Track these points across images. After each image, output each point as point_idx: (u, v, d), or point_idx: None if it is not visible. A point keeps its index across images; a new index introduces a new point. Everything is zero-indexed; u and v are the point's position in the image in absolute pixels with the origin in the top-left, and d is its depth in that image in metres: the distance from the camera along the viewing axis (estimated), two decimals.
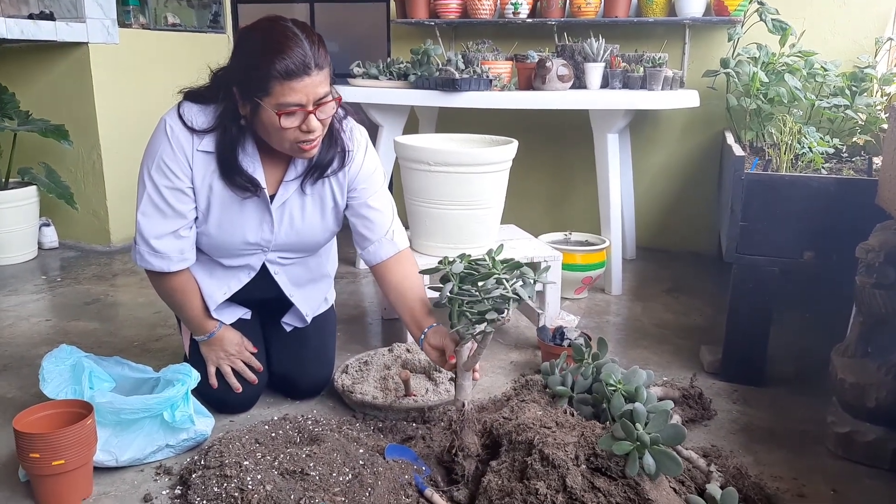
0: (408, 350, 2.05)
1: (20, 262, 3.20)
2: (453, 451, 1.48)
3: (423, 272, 1.63)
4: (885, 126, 2.38)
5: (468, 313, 1.44)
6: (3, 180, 3.21)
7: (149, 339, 2.34)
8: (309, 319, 1.91)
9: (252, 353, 1.84)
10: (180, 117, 1.60)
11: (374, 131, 2.52)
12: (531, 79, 2.81)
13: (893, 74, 2.59)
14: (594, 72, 2.74)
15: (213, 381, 1.80)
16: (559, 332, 2.10)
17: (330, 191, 1.74)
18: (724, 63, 2.77)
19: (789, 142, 2.16)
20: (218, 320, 1.80)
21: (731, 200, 1.96)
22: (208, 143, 1.60)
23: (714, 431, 1.77)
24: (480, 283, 1.43)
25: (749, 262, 1.93)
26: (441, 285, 1.49)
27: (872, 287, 1.60)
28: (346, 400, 1.87)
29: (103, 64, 3.22)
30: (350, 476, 1.45)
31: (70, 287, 2.88)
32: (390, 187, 3.12)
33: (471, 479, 1.47)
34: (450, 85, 2.69)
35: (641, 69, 2.73)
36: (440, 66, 2.82)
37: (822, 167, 2.10)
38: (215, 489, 1.41)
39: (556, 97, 2.70)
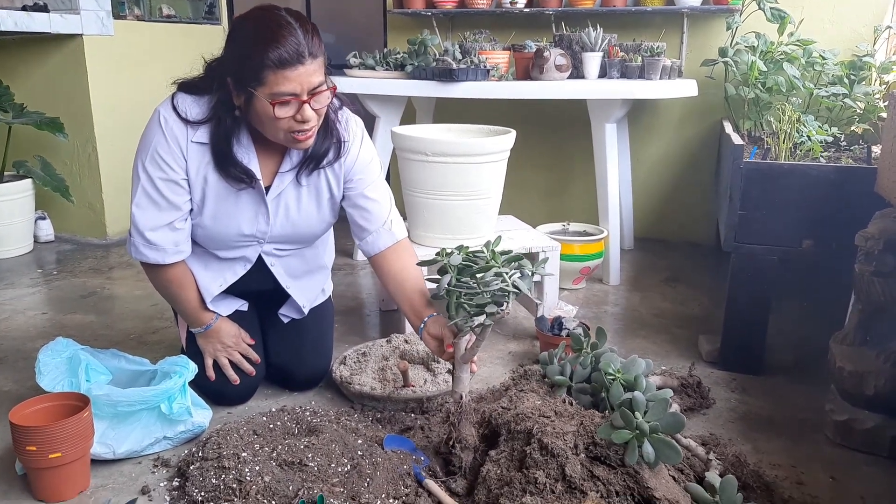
0: (406, 341, 2.04)
1: (16, 256, 3.19)
2: (451, 443, 1.48)
3: (421, 264, 1.62)
4: (884, 115, 2.37)
5: (466, 305, 1.44)
6: None
7: (145, 332, 2.33)
8: (306, 311, 1.90)
9: (249, 345, 1.84)
10: (174, 108, 1.58)
11: (370, 122, 2.51)
12: (529, 69, 2.80)
13: (892, 63, 2.58)
14: (592, 61, 2.73)
15: (211, 374, 1.79)
16: (557, 323, 2.09)
17: (326, 182, 1.73)
18: (723, 52, 2.76)
19: (788, 130, 2.15)
20: (214, 312, 1.79)
21: (729, 189, 1.95)
22: (203, 134, 1.59)
23: (712, 420, 1.77)
24: (479, 276, 1.42)
25: (748, 250, 1.92)
26: (439, 276, 1.49)
27: (871, 275, 1.60)
28: (345, 391, 1.86)
29: (98, 56, 3.20)
30: (348, 467, 1.45)
31: (66, 280, 2.87)
32: (387, 178, 3.11)
33: (469, 469, 1.47)
34: (447, 75, 2.67)
35: (639, 58, 2.71)
36: (437, 56, 2.81)
37: (821, 156, 2.09)
38: (213, 481, 1.40)
39: (553, 87, 2.69)
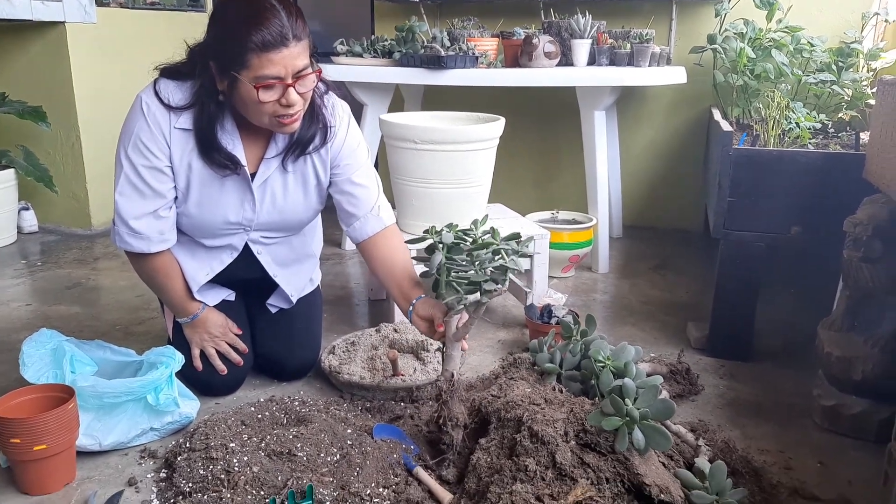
0: (395, 330, 2.03)
1: None
2: (441, 421, 1.47)
3: (410, 242, 1.60)
4: (871, 101, 2.38)
5: (455, 283, 1.43)
6: None
7: (131, 323, 2.31)
8: (294, 300, 1.88)
9: (237, 335, 1.82)
10: (157, 94, 1.56)
11: (358, 110, 2.48)
12: (517, 56, 2.78)
13: (880, 50, 2.58)
14: (581, 48, 2.71)
15: (198, 364, 1.78)
16: (547, 311, 2.09)
17: (312, 168, 1.71)
18: (711, 39, 2.75)
19: (777, 117, 2.15)
20: (201, 302, 1.78)
21: (718, 176, 1.95)
22: (186, 120, 1.57)
23: (701, 406, 1.77)
24: (476, 254, 1.42)
25: (736, 237, 1.92)
26: (427, 255, 1.47)
27: (860, 261, 1.60)
28: (334, 381, 1.85)
29: (81, 44, 3.15)
30: (338, 456, 1.44)
31: (51, 271, 2.83)
32: (375, 167, 3.09)
33: (458, 454, 1.46)
34: (435, 62, 2.65)
35: (628, 45, 2.70)
36: (425, 43, 2.78)
37: (809, 142, 2.09)
38: (201, 472, 1.39)
39: (542, 74, 2.68)
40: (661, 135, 3.36)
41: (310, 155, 1.68)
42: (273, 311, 1.90)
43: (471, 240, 1.44)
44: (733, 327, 2.00)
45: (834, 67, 2.54)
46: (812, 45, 2.61)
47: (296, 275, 1.88)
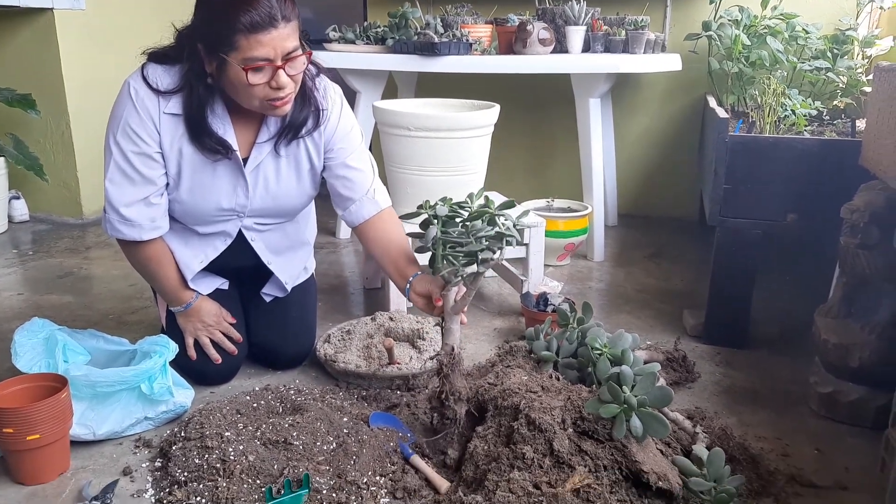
0: (391, 318, 2.02)
1: None
2: (443, 396, 1.46)
3: (404, 217, 1.58)
4: (866, 89, 2.37)
5: (451, 256, 1.42)
6: None
7: (124, 312, 2.29)
8: (289, 288, 1.87)
9: (231, 324, 1.81)
10: (144, 79, 1.54)
11: (351, 97, 2.46)
12: (512, 43, 2.76)
13: (875, 37, 2.57)
14: (576, 35, 2.69)
15: (192, 353, 1.76)
16: (543, 299, 2.08)
17: (305, 152, 1.69)
18: (706, 26, 2.73)
19: (773, 104, 2.14)
20: (194, 290, 1.76)
21: (714, 163, 1.94)
22: (175, 104, 1.54)
23: (698, 393, 1.77)
24: (471, 224, 1.40)
25: (732, 224, 1.92)
26: (422, 231, 1.46)
27: (857, 247, 1.60)
28: (329, 369, 1.84)
29: (70, 30, 3.11)
30: (334, 445, 1.43)
31: (42, 260, 2.81)
32: None
33: (457, 440, 1.46)
34: (429, 49, 2.63)
35: (623, 32, 2.69)
36: (418, 29, 2.76)
37: (805, 129, 2.09)
38: (196, 461, 1.38)
39: (537, 61, 2.66)
40: (655, 122, 3.35)
41: (303, 139, 1.66)
42: (267, 299, 1.88)
43: (466, 213, 1.42)
44: (729, 315, 2.00)
45: (829, 55, 2.54)
46: (807, 33, 2.60)
47: (290, 262, 1.86)
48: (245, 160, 1.64)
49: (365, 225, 1.74)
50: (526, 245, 2.22)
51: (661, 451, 1.35)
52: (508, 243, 1.42)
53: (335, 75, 1.78)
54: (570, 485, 1.21)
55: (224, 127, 1.59)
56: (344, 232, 3.11)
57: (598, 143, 2.78)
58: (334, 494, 1.31)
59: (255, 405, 1.61)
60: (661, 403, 1.29)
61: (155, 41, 1.58)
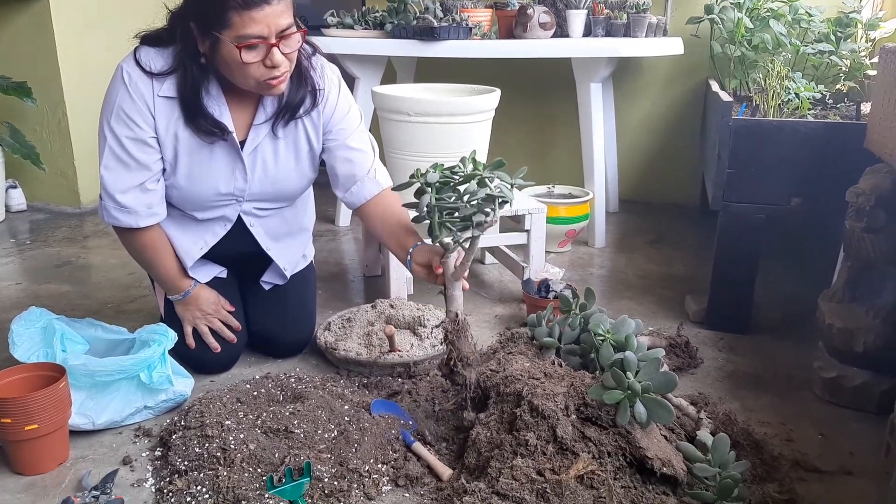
0: (391, 306, 2.01)
1: None
2: (451, 363, 1.45)
3: (397, 188, 1.56)
4: (870, 72, 2.35)
5: (448, 223, 1.40)
6: None
7: (123, 301, 2.28)
8: (288, 275, 1.85)
9: (230, 312, 1.79)
10: (137, 62, 1.51)
11: (350, 83, 2.44)
12: (512, 27, 2.73)
13: (879, 20, 2.54)
14: (577, 19, 2.67)
15: (191, 341, 1.75)
16: (544, 285, 2.07)
17: (304, 133, 1.67)
18: (709, 9, 2.70)
19: (776, 87, 2.12)
20: (192, 279, 1.74)
21: (717, 147, 1.92)
22: (169, 87, 1.52)
23: (701, 379, 1.76)
24: (462, 188, 1.39)
25: (736, 209, 1.90)
26: (416, 199, 1.44)
27: (862, 231, 1.58)
28: (330, 357, 1.83)
29: (65, 17, 3.07)
30: (335, 433, 1.42)
31: (40, 250, 2.79)
32: None
33: (457, 430, 1.45)
34: (428, 34, 2.60)
35: (625, 16, 2.66)
36: (418, 14, 2.73)
37: (808, 113, 2.07)
38: (197, 450, 1.37)
39: (538, 45, 2.63)
40: (657, 107, 3.32)
41: (301, 120, 1.64)
42: (266, 287, 1.87)
43: (459, 177, 1.41)
44: (732, 300, 1.99)
45: (832, 38, 2.51)
46: (810, 16, 2.57)
47: (288, 248, 1.84)
48: (242, 143, 1.62)
49: (367, 205, 1.72)
50: (527, 231, 2.21)
51: (665, 437, 1.34)
52: (501, 205, 1.40)
53: (333, 61, 1.75)
54: (574, 471, 1.20)
55: (220, 108, 1.56)
56: (343, 220, 3.09)
57: (600, 128, 2.76)
58: (336, 482, 1.30)
59: (255, 393, 1.60)
60: (666, 389, 1.28)
61: (151, 27, 1.56)
